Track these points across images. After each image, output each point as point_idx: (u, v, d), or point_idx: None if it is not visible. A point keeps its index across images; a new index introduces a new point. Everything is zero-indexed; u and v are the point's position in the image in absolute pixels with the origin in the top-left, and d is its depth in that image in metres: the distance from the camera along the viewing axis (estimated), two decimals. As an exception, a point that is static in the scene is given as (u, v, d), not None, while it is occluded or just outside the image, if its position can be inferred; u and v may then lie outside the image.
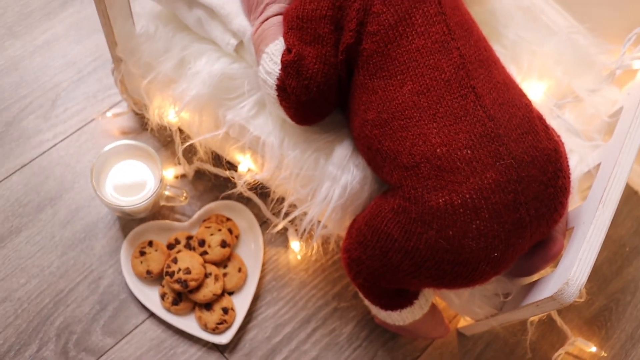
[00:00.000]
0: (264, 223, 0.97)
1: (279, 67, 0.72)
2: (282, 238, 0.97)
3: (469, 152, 0.65)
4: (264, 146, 0.79)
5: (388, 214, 0.70)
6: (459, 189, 0.65)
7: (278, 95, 0.73)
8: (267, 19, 0.76)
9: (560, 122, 0.89)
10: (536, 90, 0.90)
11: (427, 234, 0.66)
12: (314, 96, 0.72)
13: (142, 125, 1.01)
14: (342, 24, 0.70)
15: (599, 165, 0.80)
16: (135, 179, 0.88)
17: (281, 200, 0.85)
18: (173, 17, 0.83)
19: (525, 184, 0.66)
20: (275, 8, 0.76)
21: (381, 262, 0.71)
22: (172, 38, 0.82)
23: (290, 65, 0.70)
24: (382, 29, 0.69)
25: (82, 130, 1.00)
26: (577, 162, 0.84)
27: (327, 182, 0.77)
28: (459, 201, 0.64)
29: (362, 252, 0.73)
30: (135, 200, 0.86)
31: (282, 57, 0.72)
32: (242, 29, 0.77)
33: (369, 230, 0.72)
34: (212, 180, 0.97)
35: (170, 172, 0.97)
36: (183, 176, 0.98)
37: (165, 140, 1.00)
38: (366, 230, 0.72)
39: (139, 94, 0.89)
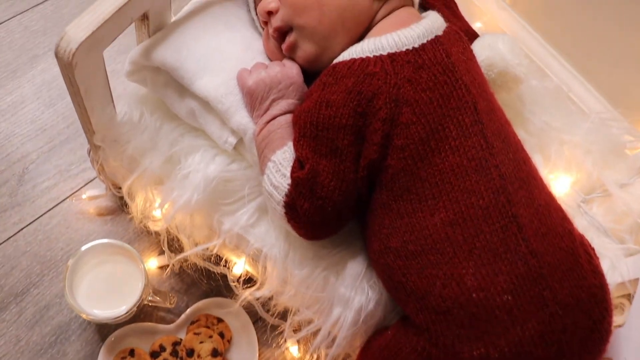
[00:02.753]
0: (257, 320, 0.86)
1: (288, 181, 0.62)
2: (278, 335, 0.87)
3: (509, 298, 0.56)
4: (266, 259, 0.69)
5: (410, 355, 0.60)
6: (496, 342, 0.55)
7: (286, 213, 0.63)
8: (274, 118, 0.65)
9: (588, 219, 0.82)
10: (562, 183, 0.82)
11: (458, 387, 0.57)
12: (328, 216, 0.62)
13: (121, 205, 0.89)
14: (363, 134, 0.61)
15: (636, 280, 0.72)
16: (115, 283, 0.77)
17: (283, 312, 0.75)
18: (160, 103, 0.72)
19: (570, 332, 0.57)
20: (283, 105, 0.66)
21: (401, 403, 0.62)
22: (160, 129, 0.71)
23: (302, 184, 0.60)
24: (411, 143, 0.59)
25: (53, 212, 0.88)
26: (609, 268, 0.76)
27: (339, 306, 0.67)
28: (496, 355, 0.55)
29: (378, 388, 0.64)
30: (115, 313, 0.75)
31: (293, 170, 0.61)
32: (243, 126, 0.66)
33: (388, 367, 0.62)
34: (201, 272, 0.87)
35: (154, 262, 0.86)
36: (167, 267, 0.87)
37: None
38: (384, 366, 0.63)
39: (119, 179, 0.78)
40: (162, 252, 0.86)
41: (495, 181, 0.59)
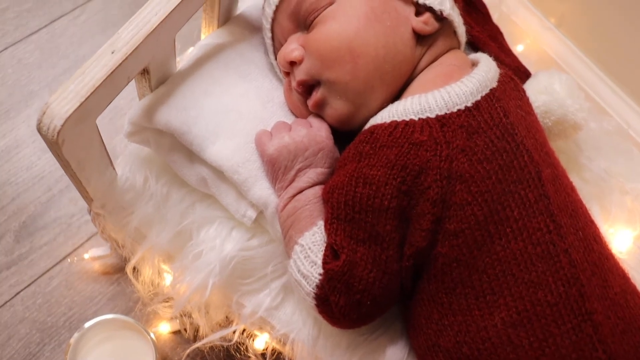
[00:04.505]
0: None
1: (320, 270, 0.52)
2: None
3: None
4: (293, 345, 0.60)
5: None
6: None
7: (317, 305, 0.53)
8: (300, 191, 0.55)
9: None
10: (624, 238, 0.72)
11: None
12: (366, 310, 0.52)
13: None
14: (408, 215, 0.51)
15: None
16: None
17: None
18: (167, 165, 0.63)
19: None
20: (310, 175, 0.56)
21: None
22: (167, 197, 0.61)
23: (337, 278, 0.50)
24: (466, 228, 0.50)
25: (53, 272, 0.80)
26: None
27: (378, 402, 0.58)
28: None
29: None
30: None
31: (325, 260, 0.52)
32: (264, 199, 0.57)
33: None
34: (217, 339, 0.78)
35: (165, 327, 0.78)
36: (180, 332, 0.78)
37: (158, 285, 0.80)
38: None
39: (123, 241, 0.69)
40: (174, 318, 0.78)
41: (565, 270, 0.49)
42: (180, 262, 0.60)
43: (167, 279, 0.68)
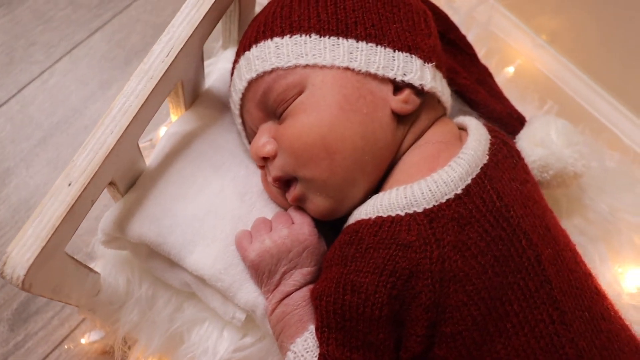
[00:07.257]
0: None
1: (314, 379, 0.50)
2: None
3: None
4: None
5: None
6: None
7: (317, 412, 0.51)
8: (288, 295, 0.53)
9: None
10: (633, 277, 0.68)
11: None
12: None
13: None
14: (402, 319, 0.48)
15: None
16: None
17: None
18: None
19: None
20: (296, 277, 0.53)
21: None
22: (153, 301, 0.58)
23: (333, 390, 0.48)
24: (464, 330, 0.46)
25: (52, 358, 0.77)
26: None
27: None
28: None
29: None
30: None
31: (319, 370, 0.49)
32: (251, 302, 0.53)
33: None
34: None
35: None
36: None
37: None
38: None
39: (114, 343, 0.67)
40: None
41: None
42: (175, 363, 0.58)
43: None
